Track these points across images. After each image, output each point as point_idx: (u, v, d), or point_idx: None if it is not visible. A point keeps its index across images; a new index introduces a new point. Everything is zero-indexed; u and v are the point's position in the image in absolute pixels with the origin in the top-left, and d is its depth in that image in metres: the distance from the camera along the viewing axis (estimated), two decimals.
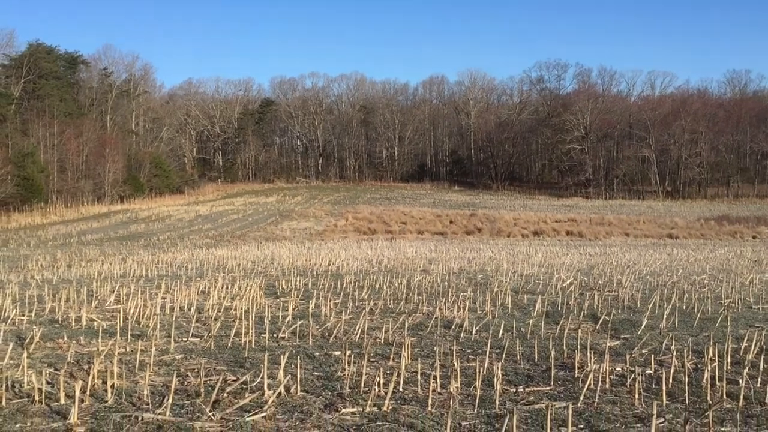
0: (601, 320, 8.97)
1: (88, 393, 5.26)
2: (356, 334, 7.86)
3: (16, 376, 5.76)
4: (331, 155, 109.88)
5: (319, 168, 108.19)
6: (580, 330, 8.23)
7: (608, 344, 7.40)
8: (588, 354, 6.67)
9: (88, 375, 5.63)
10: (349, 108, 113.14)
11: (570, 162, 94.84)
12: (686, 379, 5.66)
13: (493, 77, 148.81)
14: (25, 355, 6.02)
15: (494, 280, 14.24)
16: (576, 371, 6.16)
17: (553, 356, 6.32)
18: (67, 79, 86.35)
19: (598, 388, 5.48)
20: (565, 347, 7.18)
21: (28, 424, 4.59)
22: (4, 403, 5.04)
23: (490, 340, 7.30)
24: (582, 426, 4.65)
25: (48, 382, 5.58)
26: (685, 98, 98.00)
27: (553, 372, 6.04)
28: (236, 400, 5.17)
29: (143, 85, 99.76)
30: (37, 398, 5.12)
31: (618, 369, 6.28)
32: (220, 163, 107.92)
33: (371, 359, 6.63)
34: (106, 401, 5.15)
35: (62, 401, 5.11)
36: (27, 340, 7.25)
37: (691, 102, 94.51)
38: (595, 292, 11.93)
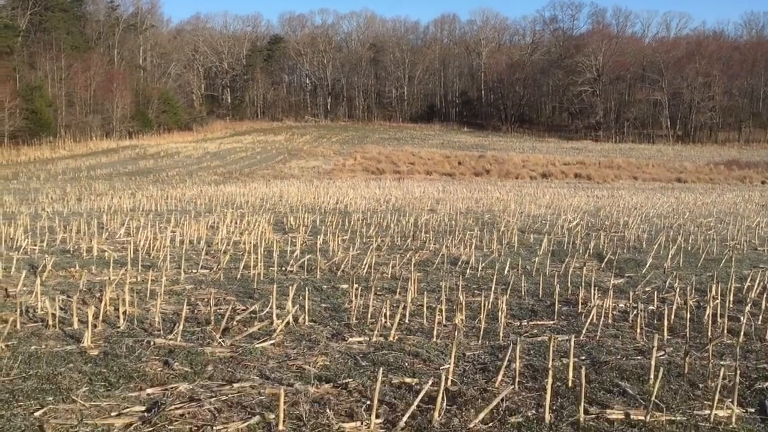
0: (606, 259, 9.04)
1: (100, 319, 5.39)
2: (363, 269, 7.96)
3: (30, 302, 5.89)
4: (340, 94, 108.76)
5: (328, 107, 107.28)
6: (585, 268, 8.30)
7: (612, 282, 7.48)
8: (592, 291, 6.75)
9: (101, 302, 5.75)
10: (358, 46, 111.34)
11: (581, 104, 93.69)
12: (688, 315, 5.74)
13: (506, 16, 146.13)
14: (38, 282, 6.13)
15: (501, 220, 14.30)
16: (579, 307, 6.25)
17: (557, 292, 6.40)
18: (73, 11, 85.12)
19: (601, 322, 5.57)
20: (569, 284, 7.27)
21: (43, 347, 4.71)
22: (18, 326, 5.17)
23: (495, 277, 7.38)
24: (584, 357, 4.75)
25: (61, 308, 5.70)
26: (701, 40, 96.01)
27: (556, 307, 6.13)
28: (245, 328, 5.28)
29: (150, 20, 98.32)
30: (51, 323, 5.25)
31: (621, 305, 6.36)
32: (229, 101, 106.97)
33: (378, 293, 6.73)
34: (119, 327, 5.27)
35: (75, 326, 5.23)
36: (40, 269, 7.38)
37: (707, 44, 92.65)
38: (601, 233, 11.99)
